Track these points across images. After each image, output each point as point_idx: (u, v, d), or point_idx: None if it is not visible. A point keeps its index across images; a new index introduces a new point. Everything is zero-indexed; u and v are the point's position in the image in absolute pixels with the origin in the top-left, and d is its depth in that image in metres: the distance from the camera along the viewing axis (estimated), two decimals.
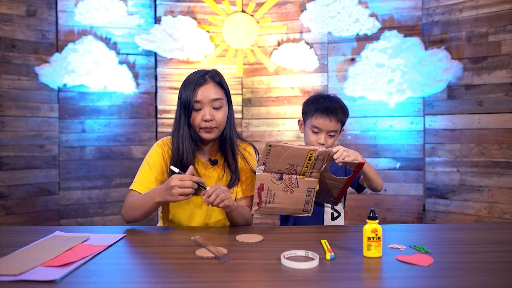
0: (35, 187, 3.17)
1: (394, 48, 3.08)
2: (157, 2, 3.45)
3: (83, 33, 3.27)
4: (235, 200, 1.46)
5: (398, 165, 3.24)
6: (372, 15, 3.22)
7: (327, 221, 1.58)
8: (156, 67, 3.48)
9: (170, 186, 1.19)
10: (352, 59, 3.31)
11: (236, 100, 3.54)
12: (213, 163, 1.45)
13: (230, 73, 3.51)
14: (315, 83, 3.43)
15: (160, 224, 1.56)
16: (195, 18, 3.41)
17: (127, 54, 3.40)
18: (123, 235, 1.24)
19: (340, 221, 1.60)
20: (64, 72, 3.11)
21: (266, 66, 3.44)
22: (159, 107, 3.47)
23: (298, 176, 1.35)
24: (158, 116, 3.48)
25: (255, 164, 1.50)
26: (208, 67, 3.41)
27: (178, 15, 3.37)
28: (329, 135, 1.56)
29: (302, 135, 1.69)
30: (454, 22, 3.10)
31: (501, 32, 2.93)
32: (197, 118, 1.35)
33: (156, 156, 1.41)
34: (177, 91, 1.44)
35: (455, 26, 3.10)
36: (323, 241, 1.14)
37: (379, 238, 1.02)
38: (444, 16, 3.13)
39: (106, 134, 3.38)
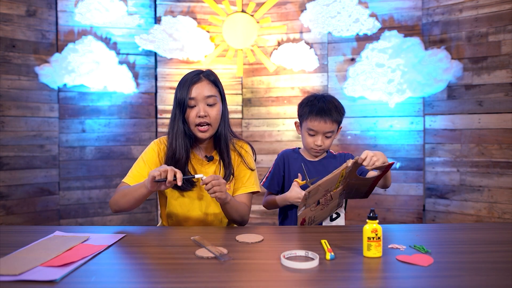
0: (35, 187, 3.17)
1: (394, 48, 3.08)
2: (157, 2, 3.45)
3: (83, 33, 3.27)
4: (238, 195, 1.50)
5: (398, 165, 3.24)
6: (372, 15, 3.22)
7: (326, 221, 1.58)
8: (156, 67, 3.48)
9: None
10: (352, 59, 3.31)
11: (236, 100, 3.54)
12: (209, 159, 1.48)
13: (230, 73, 3.51)
14: (315, 83, 3.43)
15: (160, 224, 1.57)
16: (195, 18, 3.41)
17: (127, 54, 3.40)
18: (123, 235, 1.24)
19: (340, 222, 1.60)
20: (64, 72, 3.11)
21: (266, 66, 3.44)
22: (159, 107, 3.47)
23: (332, 192, 1.40)
24: (158, 116, 3.48)
25: (252, 161, 1.54)
26: (208, 67, 3.41)
27: (178, 15, 3.37)
28: (326, 136, 1.56)
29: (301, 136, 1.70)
30: (454, 22, 3.10)
31: (501, 32, 2.93)
32: (192, 115, 1.38)
33: (151, 153, 1.45)
34: None
35: (455, 26, 3.10)
36: (323, 241, 1.14)
37: (379, 238, 1.02)
38: (444, 16, 3.13)
39: (106, 134, 3.38)
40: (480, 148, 3.03)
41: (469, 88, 3.07)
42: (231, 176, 1.48)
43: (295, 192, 1.48)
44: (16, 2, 3.07)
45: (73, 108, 3.28)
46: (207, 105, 1.39)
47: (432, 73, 3.02)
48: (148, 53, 3.45)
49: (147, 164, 1.43)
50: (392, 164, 1.38)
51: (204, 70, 1.45)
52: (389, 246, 1.11)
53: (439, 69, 3.01)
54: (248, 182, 1.50)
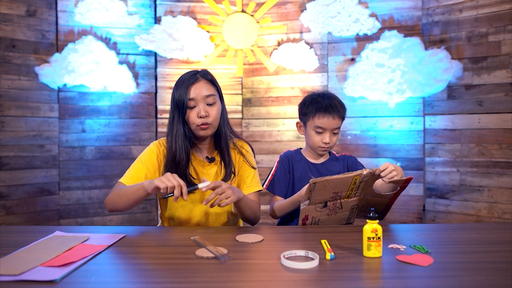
0: (35, 187, 3.17)
1: (394, 48, 3.08)
2: (157, 2, 3.45)
3: (83, 33, 3.27)
4: (246, 195, 1.46)
5: (398, 165, 3.23)
6: (372, 15, 3.22)
7: None
8: (156, 67, 3.48)
9: (164, 175, 1.21)
10: (352, 59, 3.31)
11: (236, 100, 3.54)
12: (210, 160, 1.47)
13: (230, 73, 3.51)
14: (315, 83, 3.43)
15: (160, 224, 1.56)
16: (195, 18, 3.41)
17: (127, 54, 3.40)
18: (123, 235, 1.24)
19: None
20: (64, 72, 3.11)
21: (266, 66, 3.44)
22: (159, 107, 3.47)
23: (342, 200, 1.36)
24: (158, 116, 3.48)
25: (253, 160, 1.53)
26: (208, 67, 3.41)
27: (178, 15, 3.37)
28: (333, 133, 1.56)
29: (302, 135, 1.68)
30: (454, 22, 3.10)
31: (501, 32, 2.93)
32: (192, 115, 1.37)
33: (150, 155, 1.44)
34: None
35: (455, 26, 3.10)
36: (323, 241, 1.14)
37: (379, 238, 1.02)
38: (444, 16, 3.13)
39: (106, 134, 3.38)
40: (480, 148, 3.03)
41: (469, 88, 3.07)
42: (232, 175, 1.47)
43: None
44: (16, 2, 3.07)
45: (73, 108, 3.28)
46: (207, 104, 1.38)
47: (432, 73, 3.02)
48: (148, 53, 3.45)
49: (145, 166, 1.41)
50: (411, 179, 1.32)
51: (200, 70, 1.44)
52: (389, 246, 1.11)
53: (439, 69, 3.00)
54: (252, 182, 1.49)
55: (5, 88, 3.04)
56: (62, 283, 0.87)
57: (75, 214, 3.31)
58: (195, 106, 1.37)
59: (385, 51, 3.10)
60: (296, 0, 3.44)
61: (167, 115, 1.42)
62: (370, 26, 3.17)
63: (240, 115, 3.55)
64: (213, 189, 1.23)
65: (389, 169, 1.31)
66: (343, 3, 3.18)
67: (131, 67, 3.39)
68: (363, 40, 3.26)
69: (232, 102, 3.52)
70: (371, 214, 1.04)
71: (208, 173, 1.46)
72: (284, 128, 3.51)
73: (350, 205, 1.40)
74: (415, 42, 3.06)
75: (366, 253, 1.03)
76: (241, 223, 1.63)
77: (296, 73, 3.45)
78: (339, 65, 3.37)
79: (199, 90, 1.37)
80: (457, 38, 3.09)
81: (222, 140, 1.45)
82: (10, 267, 0.93)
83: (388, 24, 3.24)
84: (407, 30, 3.18)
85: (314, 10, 3.25)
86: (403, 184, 1.35)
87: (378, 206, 1.45)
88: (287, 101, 3.49)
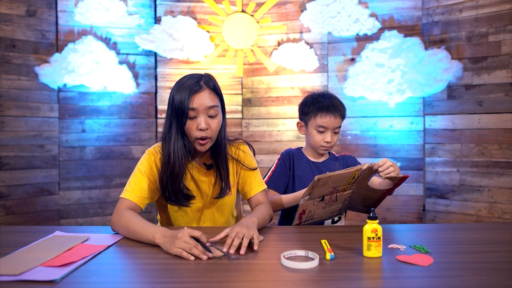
0: (35, 187, 3.17)
1: (394, 48, 3.08)
2: (157, 2, 3.45)
3: (83, 33, 3.27)
4: (252, 197, 1.45)
5: (398, 165, 3.23)
6: (372, 15, 3.22)
7: (327, 223, 1.58)
8: (156, 67, 3.48)
9: (177, 237, 1.06)
10: (352, 59, 3.31)
11: (236, 100, 3.54)
12: (208, 167, 1.42)
13: (230, 73, 3.51)
14: (315, 83, 3.43)
15: (159, 225, 1.55)
16: (195, 18, 3.41)
17: (127, 54, 3.40)
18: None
19: (340, 224, 1.61)
20: (64, 72, 3.11)
21: (266, 66, 3.44)
22: (159, 107, 3.47)
23: (338, 193, 1.37)
24: (158, 116, 3.48)
25: (253, 159, 1.48)
26: (208, 67, 3.41)
27: (178, 15, 3.37)
28: (334, 132, 1.58)
29: (302, 135, 1.69)
30: (454, 22, 3.10)
31: (501, 32, 2.93)
32: (192, 127, 1.30)
33: (149, 164, 1.36)
34: None
35: (455, 26, 3.10)
36: (323, 241, 1.14)
37: (379, 238, 1.02)
38: (444, 16, 3.13)
39: (106, 134, 3.38)
40: (480, 148, 3.03)
41: (469, 88, 3.07)
42: (228, 190, 1.42)
43: None
44: (16, 2, 3.07)
45: (73, 108, 3.28)
46: (208, 116, 1.31)
47: (432, 73, 3.02)
48: (148, 53, 3.45)
49: (145, 176, 1.34)
50: (406, 177, 1.33)
51: (203, 75, 1.34)
52: (389, 246, 1.11)
53: (439, 69, 3.01)
54: (256, 182, 1.46)
55: (5, 88, 3.04)
56: (62, 283, 0.87)
57: (75, 214, 3.31)
58: (195, 117, 1.29)
59: (385, 51, 3.10)
60: (296, 0, 3.44)
61: None
62: (370, 26, 3.17)
63: (240, 115, 3.55)
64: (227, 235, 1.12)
65: (386, 164, 1.33)
66: (343, 3, 3.18)
67: (131, 67, 3.39)
68: (363, 40, 3.26)
69: (232, 102, 3.52)
70: (371, 214, 1.04)
71: (204, 181, 1.42)
72: (284, 128, 3.51)
73: (344, 198, 1.41)
74: (415, 42, 3.06)
75: (366, 253, 1.03)
76: None
77: (296, 73, 3.45)
78: (339, 65, 3.37)
79: (202, 100, 1.28)
80: (457, 38, 3.09)
81: (219, 151, 1.38)
82: (10, 267, 0.93)
83: (388, 24, 3.24)
84: (407, 30, 3.18)
85: (314, 10, 3.25)
86: (398, 181, 1.36)
87: (369, 200, 1.47)
88: (287, 101, 3.49)
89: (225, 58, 3.45)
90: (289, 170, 1.63)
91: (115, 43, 3.36)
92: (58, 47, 3.22)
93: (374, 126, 3.30)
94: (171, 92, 1.35)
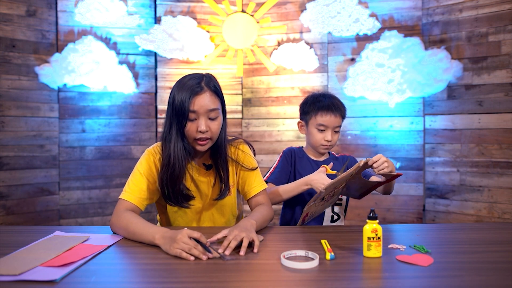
0: (35, 187, 3.17)
1: (394, 48, 3.08)
2: (157, 2, 3.45)
3: (83, 33, 3.27)
4: (252, 197, 1.44)
5: (398, 165, 3.24)
6: (372, 15, 3.22)
7: (326, 223, 1.58)
8: (156, 67, 3.48)
9: (176, 237, 1.05)
10: (352, 59, 3.31)
11: (236, 100, 3.54)
12: (208, 167, 1.42)
13: (230, 73, 3.51)
14: (315, 83, 3.43)
15: (158, 225, 1.55)
16: (195, 18, 3.41)
17: (127, 54, 3.40)
18: None
19: (340, 224, 1.61)
20: (64, 72, 3.11)
21: (266, 66, 3.44)
22: (159, 107, 3.47)
23: (336, 189, 1.39)
24: (158, 116, 3.48)
25: (253, 159, 1.47)
26: (208, 67, 3.41)
27: (178, 15, 3.37)
28: (334, 131, 1.60)
29: (302, 135, 1.70)
30: (454, 22, 3.10)
31: (501, 32, 2.93)
32: (192, 129, 1.29)
33: (148, 165, 1.35)
34: None
35: (455, 26, 3.10)
36: (323, 241, 1.14)
37: (379, 238, 1.02)
38: (444, 16, 3.13)
39: (106, 134, 3.38)
40: (480, 148, 3.03)
41: (469, 88, 3.07)
42: (228, 192, 1.41)
43: (320, 177, 1.43)
44: (16, 2, 3.07)
45: (73, 108, 3.28)
46: (209, 118, 1.30)
47: (432, 73, 3.02)
48: (148, 53, 3.45)
49: (144, 176, 1.33)
50: (399, 175, 1.35)
51: (204, 75, 1.33)
52: (389, 246, 1.11)
53: (439, 69, 3.01)
54: (256, 182, 1.45)
55: (5, 88, 3.04)
56: (62, 283, 0.87)
57: (75, 214, 3.31)
58: (196, 119, 1.29)
59: (385, 51, 3.10)
60: (296, 0, 3.44)
61: None
62: (370, 26, 3.17)
63: (240, 115, 3.55)
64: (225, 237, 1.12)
65: (381, 160, 1.34)
66: (343, 3, 3.18)
67: (131, 67, 3.39)
68: (363, 40, 3.26)
69: (232, 102, 3.52)
70: (371, 214, 1.04)
71: (203, 181, 1.41)
72: (284, 128, 3.51)
73: (340, 191, 1.45)
74: (415, 42, 3.06)
75: (366, 253, 1.03)
76: None
77: (296, 73, 3.45)
78: (339, 65, 3.37)
79: (202, 103, 1.27)
80: (457, 38, 3.09)
81: (219, 152, 1.37)
82: (10, 267, 0.93)
83: (388, 24, 3.24)
84: (407, 30, 3.18)
85: (314, 10, 3.25)
86: (390, 178, 1.38)
87: (360, 189, 1.48)
88: (287, 101, 3.49)
89: (225, 58, 3.45)
90: (291, 166, 1.65)
91: (115, 43, 3.36)
92: (58, 47, 3.22)
93: (374, 126, 3.30)
94: (171, 91, 1.34)
